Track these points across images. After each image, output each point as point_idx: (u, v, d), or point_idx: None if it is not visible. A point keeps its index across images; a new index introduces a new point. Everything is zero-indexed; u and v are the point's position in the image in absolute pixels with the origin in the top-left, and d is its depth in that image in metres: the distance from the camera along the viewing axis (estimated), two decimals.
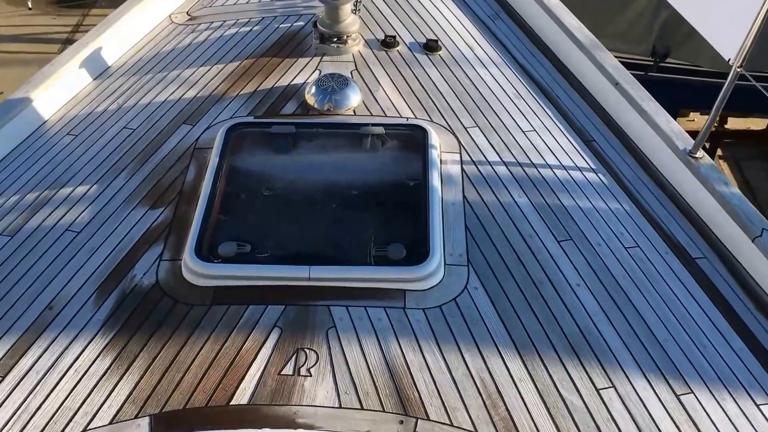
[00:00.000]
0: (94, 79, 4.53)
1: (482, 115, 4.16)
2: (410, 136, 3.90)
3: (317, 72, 4.38)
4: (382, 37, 4.65)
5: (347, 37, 4.49)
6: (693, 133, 8.89)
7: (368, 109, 4.13)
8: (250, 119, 4.03)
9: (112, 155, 3.93)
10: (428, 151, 3.76)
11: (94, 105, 4.32)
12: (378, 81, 4.33)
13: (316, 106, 4.09)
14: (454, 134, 4.00)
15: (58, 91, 4.35)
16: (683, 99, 8.87)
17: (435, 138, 3.87)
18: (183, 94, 4.29)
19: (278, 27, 4.77)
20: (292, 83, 4.31)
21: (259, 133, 3.94)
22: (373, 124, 3.91)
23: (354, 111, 4.11)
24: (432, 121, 4.08)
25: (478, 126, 4.08)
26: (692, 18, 3.69)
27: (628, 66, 8.45)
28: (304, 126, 3.95)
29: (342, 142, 3.91)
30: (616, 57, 8.23)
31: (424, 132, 3.87)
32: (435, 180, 3.61)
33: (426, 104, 4.20)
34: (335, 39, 4.49)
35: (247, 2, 5.09)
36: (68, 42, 10.82)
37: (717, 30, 3.47)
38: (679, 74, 8.70)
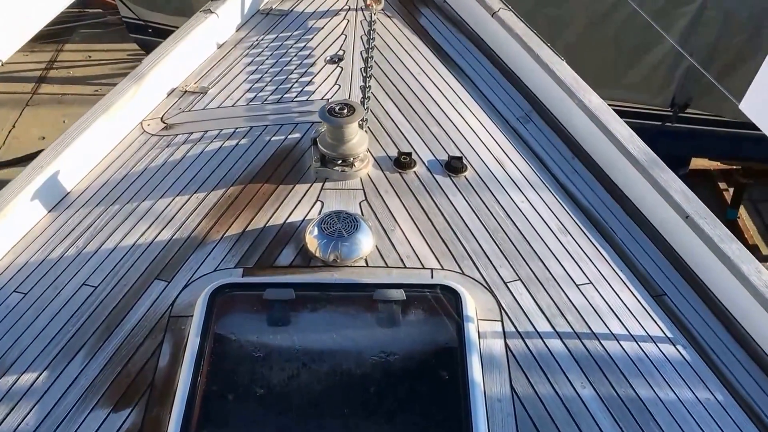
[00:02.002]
0: (50, 211, 3.74)
1: (524, 261, 3.40)
2: (439, 302, 3.12)
3: (319, 204, 3.61)
4: (395, 154, 3.88)
5: (354, 158, 3.72)
6: (702, 172, 8.40)
7: (383, 258, 3.36)
8: (238, 279, 3.24)
9: (67, 326, 3.14)
10: (464, 326, 2.98)
11: (48, 249, 3.53)
12: (393, 216, 3.56)
13: (319, 255, 3.32)
14: (492, 293, 3.23)
15: (5, 231, 3.56)
16: (702, 148, 8.31)
17: (470, 304, 3.10)
18: (156, 235, 3.51)
19: (269, 140, 4.00)
20: (289, 221, 3.53)
21: (249, 298, 3.16)
22: (391, 285, 3.14)
23: (366, 260, 3.34)
24: (463, 273, 3.31)
25: (520, 278, 3.31)
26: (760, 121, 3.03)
27: (646, 116, 7.95)
28: (306, 288, 3.18)
29: (353, 310, 3.13)
30: (632, 107, 7.73)
31: (456, 297, 3.10)
32: (475, 369, 2.84)
33: (454, 248, 3.43)
34: (339, 161, 3.72)
35: (232, 105, 4.31)
36: (42, 80, 10.06)
37: None
38: (693, 124, 8.15)
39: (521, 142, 4.11)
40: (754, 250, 7.65)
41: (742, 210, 8.23)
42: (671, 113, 7.94)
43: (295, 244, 3.41)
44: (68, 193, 3.82)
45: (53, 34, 10.65)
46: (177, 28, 8.58)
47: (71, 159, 3.84)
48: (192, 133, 4.11)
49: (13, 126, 9.36)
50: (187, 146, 4.01)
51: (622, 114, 7.60)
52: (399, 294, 3.10)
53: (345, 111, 3.61)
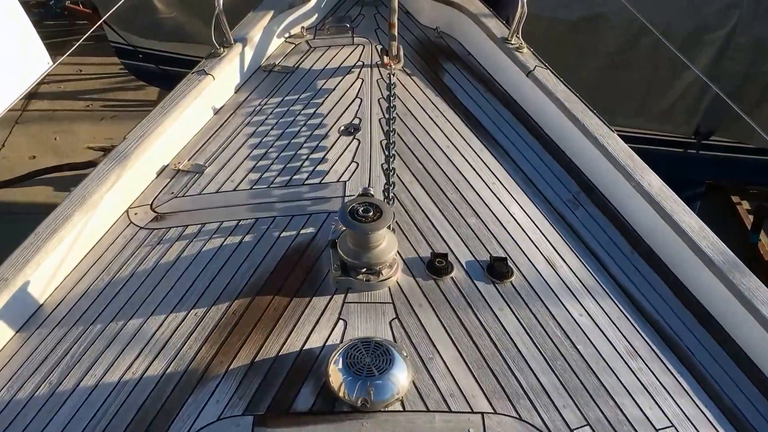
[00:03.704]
0: (17, 332, 3.13)
1: (591, 399, 2.82)
2: None
3: (341, 324, 3.02)
4: (427, 254, 3.29)
5: (381, 267, 3.13)
6: (718, 188, 8.00)
7: (423, 399, 2.77)
8: None
9: None
10: None
11: (14, 388, 2.91)
12: (431, 339, 2.97)
13: (344, 397, 2.72)
14: None
15: None
16: (723, 174, 8.00)
17: None
18: (147, 368, 2.91)
19: (279, 237, 3.40)
20: (306, 348, 2.93)
21: None
22: None
23: (402, 402, 2.75)
24: (520, 418, 2.72)
25: (589, 424, 2.73)
26: None
27: (667, 143, 7.56)
28: None
29: None
30: (654, 134, 7.32)
31: None
32: None
33: (506, 382, 2.84)
34: (364, 270, 3.13)
35: (233, 189, 3.71)
36: (32, 96, 9.47)
37: None
38: (715, 151, 7.78)
39: (572, 233, 3.54)
40: None
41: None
42: (695, 140, 7.58)
43: (315, 380, 2.81)
44: (40, 307, 3.21)
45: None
46: (168, 53, 8.17)
47: (43, 264, 3.23)
48: (187, 226, 3.51)
49: (2, 145, 8.83)
50: (182, 244, 3.41)
51: (644, 141, 7.06)
52: None
53: (370, 213, 3.02)
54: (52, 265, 3.26)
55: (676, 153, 7.52)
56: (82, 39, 3.90)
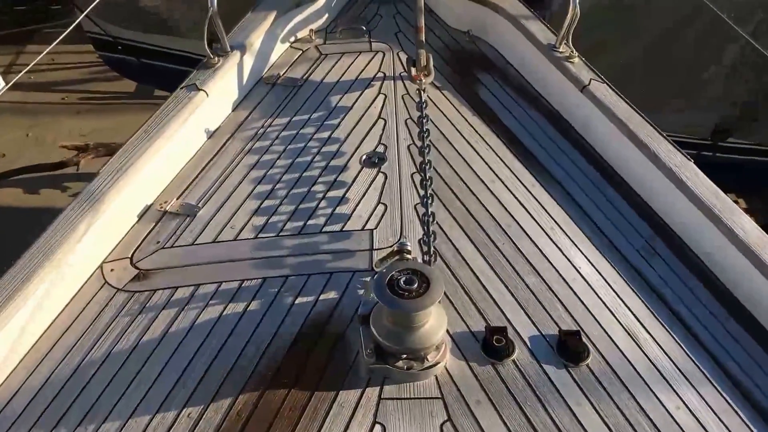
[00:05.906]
0: None
1: None
2: None
3: (377, 430, 2.34)
4: (480, 328, 2.62)
5: (427, 351, 2.45)
6: None
7: None
8: None
9: None
10: None
11: None
12: None
13: None
14: None
15: None
16: (744, 179, 7.46)
17: None
18: None
19: (293, 306, 2.71)
20: None
21: None
22: None
23: None
24: None
25: None
26: None
27: (682, 145, 7.10)
28: None
29: None
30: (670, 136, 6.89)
31: None
32: None
33: None
34: (405, 356, 2.45)
35: (233, 239, 3.01)
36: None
37: None
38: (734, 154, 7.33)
39: (651, 292, 2.87)
40: None
41: None
42: (710, 143, 7.04)
43: None
44: None
45: (12, 36, 9.28)
46: (148, 45, 7.47)
47: None
48: (176, 288, 2.81)
49: None
50: (170, 314, 2.71)
51: None
52: None
53: (414, 285, 2.34)
54: (2, 347, 2.56)
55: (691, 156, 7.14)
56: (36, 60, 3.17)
